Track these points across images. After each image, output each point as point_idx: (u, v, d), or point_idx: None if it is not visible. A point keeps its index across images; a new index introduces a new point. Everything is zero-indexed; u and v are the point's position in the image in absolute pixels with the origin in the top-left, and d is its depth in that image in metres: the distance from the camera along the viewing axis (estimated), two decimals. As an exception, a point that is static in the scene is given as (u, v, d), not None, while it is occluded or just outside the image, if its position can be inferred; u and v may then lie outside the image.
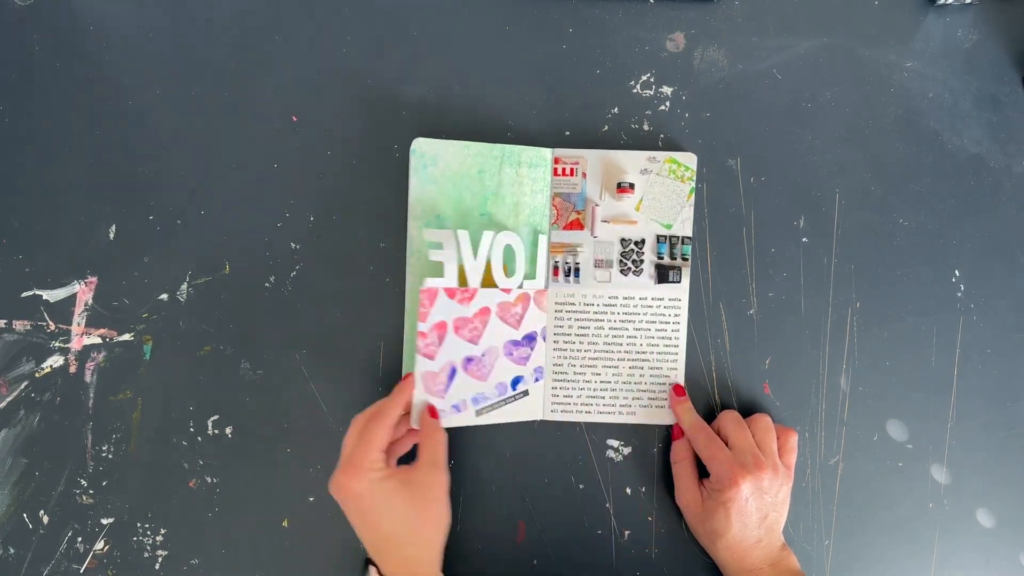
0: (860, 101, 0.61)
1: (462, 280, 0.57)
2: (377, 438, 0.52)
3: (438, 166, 0.59)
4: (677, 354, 0.60)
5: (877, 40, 0.61)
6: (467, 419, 0.58)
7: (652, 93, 0.61)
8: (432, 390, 0.57)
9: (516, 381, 0.59)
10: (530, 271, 0.59)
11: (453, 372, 0.57)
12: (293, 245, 0.61)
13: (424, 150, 0.58)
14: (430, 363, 0.56)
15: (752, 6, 0.62)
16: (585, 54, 0.61)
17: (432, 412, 0.56)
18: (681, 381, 0.60)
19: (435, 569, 0.52)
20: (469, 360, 0.58)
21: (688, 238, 0.60)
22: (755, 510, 0.53)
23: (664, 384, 0.60)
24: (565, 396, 0.60)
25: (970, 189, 0.61)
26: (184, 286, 0.61)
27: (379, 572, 0.52)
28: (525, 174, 0.59)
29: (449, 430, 0.57)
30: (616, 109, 0.61)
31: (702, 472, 0.57)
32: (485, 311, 0.58)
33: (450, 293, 0.57)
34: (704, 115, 0.61)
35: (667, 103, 0.61)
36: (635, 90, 0.61)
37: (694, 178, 0.60)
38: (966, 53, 0.62)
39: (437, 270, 0.57)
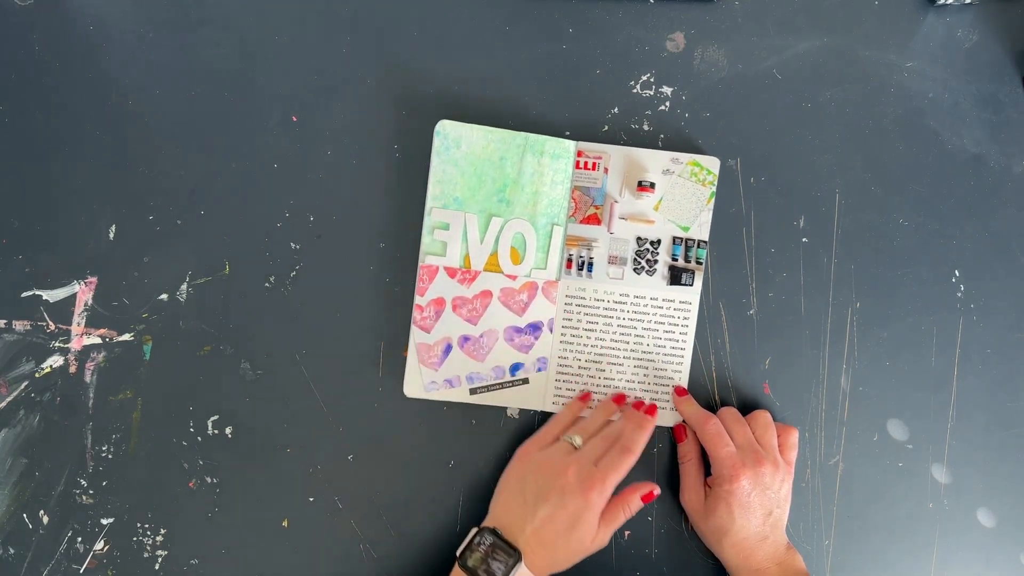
0: (860, 101, 0.61)
1: (466, 263, 0.59)
2: (624, 475, 0.53)
3: (461, 149, 0.59)
4: (683, 357, 0.60)
5: (877, 40, 0.61)
6: (460, 395, 0.59)
7: (652, 93, 0.61)
8: (426, 361, 0.59)
9: (515, 367, 0.59)
10: (540, 261, 0.59)
11: (448, 348, 0.59)
12: (293, 245, 0.61)
13: (448, 132, 0.59)
14: (425, 335, 0.59)
15: (752, 6, 0.62)
16: (585, 54, 0.61)
17: (648, 498, 0.56)
18: (685, 384, 0.60)
19: None
20: (466, 339, 0.59)
21: (704, 242, 0.60)
22: (758, 505, 0.53)
23: (668, 387, 0.60)
24: (568, 389, 0.60)
25: (970, 189, 0.61)
26: (184, 286, 0.61)
27: (513, 556, 0.51)
28: (547, 164, 0.59)
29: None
30: (616, 109, 0.61)
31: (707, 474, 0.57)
32: (486, 294, 0.59)
33: (450, 272, 0.59)
34: (704, 115, 0.61)
35: (667, 103, 0.61)
36: (635, 90, 0.61)
37: (715, 182, 0.60)
38: (966, 53, 0.62)
39: (444, 251, 0.59)
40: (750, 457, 0.53)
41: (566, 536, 0.52)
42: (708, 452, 0.55)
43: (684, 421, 0.59)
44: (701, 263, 0.60)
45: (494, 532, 0.52)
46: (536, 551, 0.51)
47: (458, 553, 0.52)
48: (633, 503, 0.55)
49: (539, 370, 0.60)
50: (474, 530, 0.53)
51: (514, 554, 0.51)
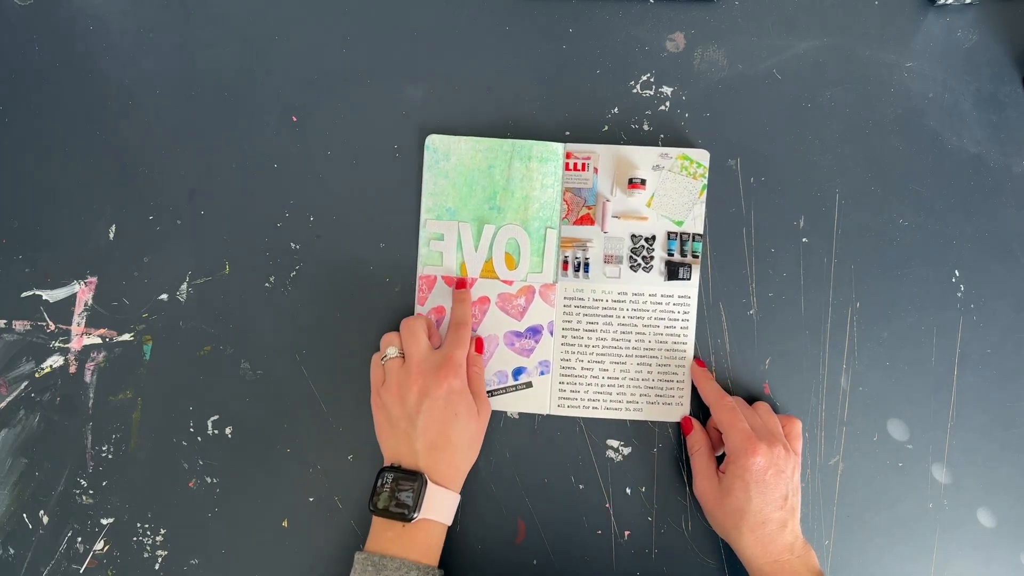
0: (860, 101, 0.61)
1: (463, 271, 0.60)
2: (467, 346, 0.56)
3: (450, 161, 0.60)
4: (685, 352, 0.60)
5: (877, 40, 0.61)
6: None
7: (652, 93, 0.61)
8: None
9: (518, 372, 0.59)
10: (536, 265, 0.59)
11: None
12: (293, 245, 0.61)
13: (437, 146, 0.60)
14: None
15: (752, 6, 0.62)
16: (585, 54, 0.61)
17: (479, 347, 0.59)
18: (687, 381, 0.60)
19: (461, 485, 0.56)
20: None
21: (699, 235, 0.60)
22: (774, 485, 0.52)
23: (672, 383, 0.60)
24: (572, 391, 0.60)
25: (970, 189, 0.61)
26: (184, 286, 0.61)
27: (404, 478, 0.52)
28: (535, 168, 0.59)
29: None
30: (616, 109, 0.61)
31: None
32: (484, 300, 0.60)
33: (448, 281, 0.60)
34: (704, 115, 0.61)
35: (667, 103, 0.61)
36: (635, 90, 0.61)
37: (706, 175, 0.60)
38: (966, 53, 0.62)
39: (441, 261, 0.60)
40: (765, 436, 0.53)
41: (453, 428, 0.53)
42: (724, 428, 0.54)
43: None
44: (697, 256, 0.60)
45: (392, 468, 0.53)
46: (438, 462, 0.53)
47: (368, 504, 0.53)
48: (475, 361, 0.58)
49: (542, 373, 0.60)
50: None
51: (417, 477, 0.52)
